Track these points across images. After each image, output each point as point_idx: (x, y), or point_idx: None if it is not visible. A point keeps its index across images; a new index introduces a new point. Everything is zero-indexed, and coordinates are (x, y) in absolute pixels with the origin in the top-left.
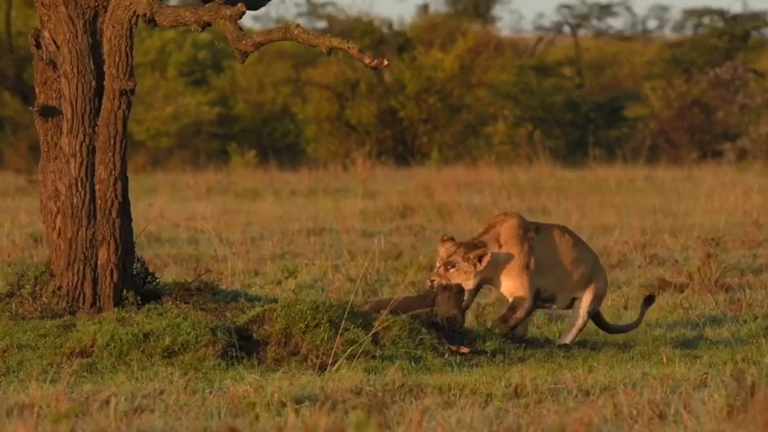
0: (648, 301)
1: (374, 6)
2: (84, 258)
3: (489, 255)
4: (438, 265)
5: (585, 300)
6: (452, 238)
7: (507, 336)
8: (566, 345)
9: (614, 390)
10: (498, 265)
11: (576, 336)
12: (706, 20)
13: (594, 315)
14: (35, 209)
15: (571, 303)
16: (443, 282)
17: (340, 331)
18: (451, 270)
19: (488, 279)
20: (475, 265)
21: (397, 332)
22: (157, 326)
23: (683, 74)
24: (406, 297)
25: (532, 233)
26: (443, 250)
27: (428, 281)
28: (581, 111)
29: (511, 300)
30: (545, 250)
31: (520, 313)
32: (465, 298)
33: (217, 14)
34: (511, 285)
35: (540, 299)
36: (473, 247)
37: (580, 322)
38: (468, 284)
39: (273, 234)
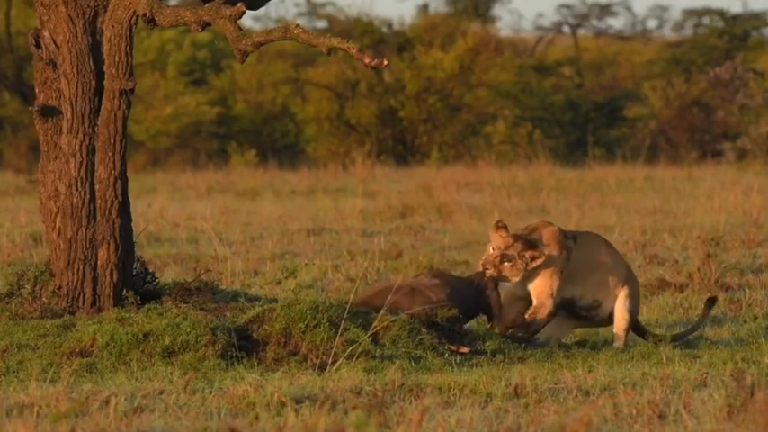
0: (711, 302)
1: (374, 6)
2: (84, 258)
3: (543, 258)
4: (494, 254)
5: (621, 300)
6: (506, 226)
7: (515, 339)
8: (620, 347)
9: (614, 390)
10: (539, 266)
11: (626, 335)
12: (706, 20)
13: (635, 327)
14: (35, 209)
15: (612, 314)
16: (495, 274)
17: (340, 331)
18: (505, 263)
19: (524, 278)
20: (527, 264)
21: (396, 332)
22: (157, 326)
23: (683, 74)
24: (454, 277)
25: (571, 242)
26: (499, 239)
27: (481, 266)
28: (581, 111)
29: (535, 301)
30: (582, 258)
31: (541, 316)
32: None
33: (217, 14)
34: (540, 285)
35: (579, 307)
36: (529, 245)
37: (624, 324)
38: (515, 279)
39: (273, 234)
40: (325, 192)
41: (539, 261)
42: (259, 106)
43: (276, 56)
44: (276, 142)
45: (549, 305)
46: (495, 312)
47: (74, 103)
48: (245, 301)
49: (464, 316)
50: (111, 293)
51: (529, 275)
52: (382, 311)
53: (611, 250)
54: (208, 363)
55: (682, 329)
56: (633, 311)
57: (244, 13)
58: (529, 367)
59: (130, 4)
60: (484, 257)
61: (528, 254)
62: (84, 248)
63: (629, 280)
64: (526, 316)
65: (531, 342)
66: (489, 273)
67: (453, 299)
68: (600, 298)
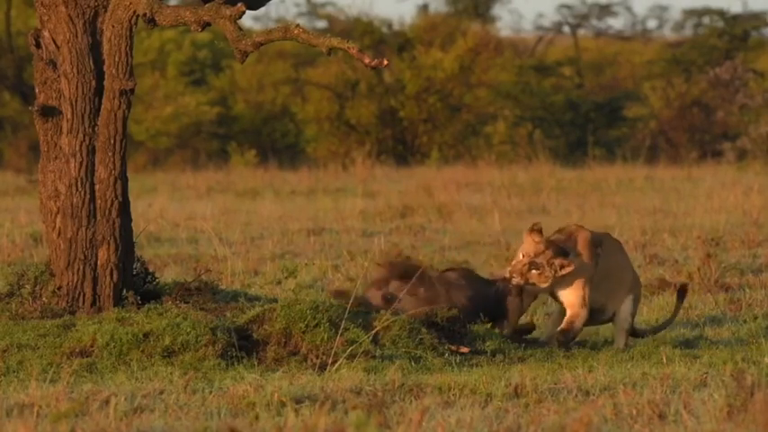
0: (682, 293)
1: (374, 6)
2: (84, 258)
3: (572, 267)
4: (522, 261)
5: (627, 304)
6: (540, 231)
7: (511, 339)
8: (621, 347)
9: (614, 390)
10: (569, 275)
11: (627, 338)
12: (706, 20)
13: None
14: (35, 209)
15: (613, 316)
16: (521, 282)
17: (340, 331)
18: (533, 271)
19: (553, 285)
20: (555, 272)
21: (396, 332)
22: (157, 326)
23: (683, 74)
24: (481, 278)
25: (599, 249)
26: (531, 244)
27: (509, 274)
28: (581, 111)
29: (569, 311)
30: (602, 263)
31: (578, 325)
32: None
33: (217, 14)
34: (573, 296)
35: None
36: (560, 252)
37: (626, 325)
38: (543, 286)
39: (273, 234)
40: (326, 192)
41: (568, 269)
42: (259, 106)
43: (276, 56)
44: (276, 142)
45: (583, 314)
46: (511, 320)
47: (74, 103)
48: (245, 301)
49: (469, 316)
50: (111, 293)
51: (559, 282)
52: (401, 297)
53: (624, 255)
54: (208, 363)
55: (681, 329)
56: (634, 314)
57: (244, 13)
58: (529, 367)
59: (130, 4)
60: (512, 264)
61: (557, 262)
62: (84, 248)
63: (635, 285)
64: (563, 326)
65: (532, 342)
66: (516, 281)
67: (474, 301)
68: (606, 303)
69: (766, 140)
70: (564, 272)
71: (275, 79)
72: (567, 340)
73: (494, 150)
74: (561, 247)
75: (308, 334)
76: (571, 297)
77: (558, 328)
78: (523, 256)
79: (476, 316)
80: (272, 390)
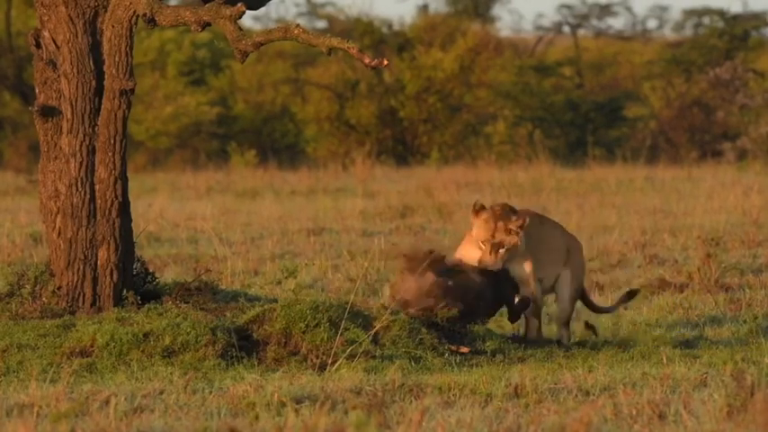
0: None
1: (374, 6)
2: (84, 258)
3: (527, 220)
4: (485, 249)
5: (565, 283)
6: (483, 207)
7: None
8: (562, 344)
9: (614, 390)
10: (516, 250)
11: (569, 328)
12: (706, 20)
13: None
14: (35, 209)
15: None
16: (500, 266)
17: (340, 331)
18: (501, 251)
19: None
20: (518, 233)
21: (396, 332)
22: (157, 326)
23: (683, 74)
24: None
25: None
26: (484, 227)
27: (484, 266)
28: (581, 111)
29: (524, 289)
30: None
31: (534, 297)
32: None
33: (217, 14)
34: (524, 274)
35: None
36: (509, 215)
37: (565, 315)
38: (521, 248)
39: (273, 234)
40: (326, 192)
41: (526, 223)
42: (259, 106)
43: (276, 56)
44: (276, 142)
45: (537, 289)
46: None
47: (74, 103)
48: (245, 301)
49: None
50: (111, 293)
51: (508, 261)
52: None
53: (545, 227)
54: (208, 363)
55: (681, 329)
56: (574, 298)
57: (244, 13)
58: (529, 367)
59: (130, 4)
60: (480, 259)
61: (513, 226)
62: (84, 248)
63: (571, 255)
64: (521, 297)
65: (532, 342)
66: (495, 268)
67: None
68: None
69: (766, 140)
70: (525, 226)
71: (275, 79)
72: (522, 309)
73: (494, 150)
74: (507, 212)
75: (308, 334)
76: (522, 275)
77: (517, 299)
78: (483, 243)
79: (488, 293)
80: (272, 390)
